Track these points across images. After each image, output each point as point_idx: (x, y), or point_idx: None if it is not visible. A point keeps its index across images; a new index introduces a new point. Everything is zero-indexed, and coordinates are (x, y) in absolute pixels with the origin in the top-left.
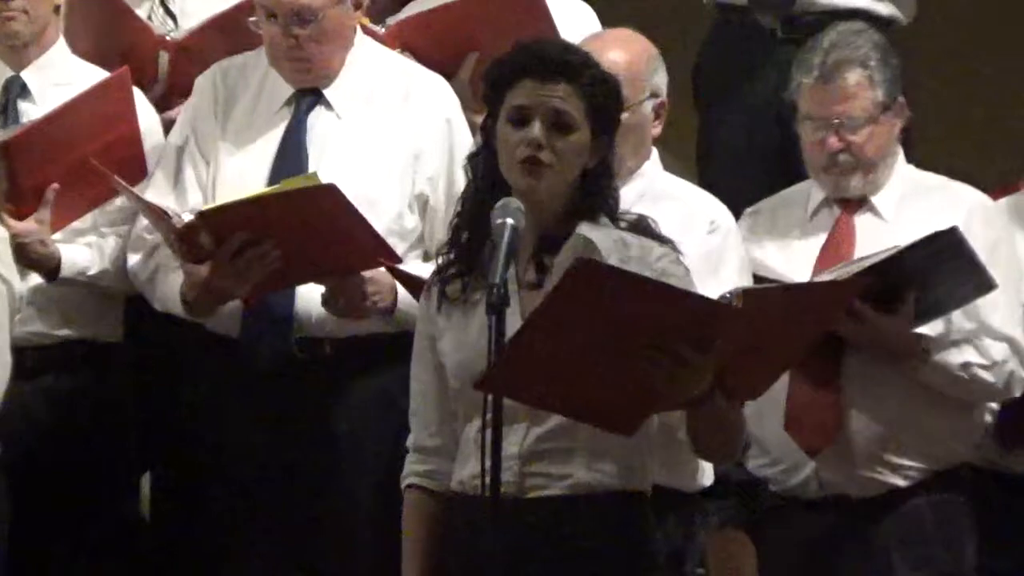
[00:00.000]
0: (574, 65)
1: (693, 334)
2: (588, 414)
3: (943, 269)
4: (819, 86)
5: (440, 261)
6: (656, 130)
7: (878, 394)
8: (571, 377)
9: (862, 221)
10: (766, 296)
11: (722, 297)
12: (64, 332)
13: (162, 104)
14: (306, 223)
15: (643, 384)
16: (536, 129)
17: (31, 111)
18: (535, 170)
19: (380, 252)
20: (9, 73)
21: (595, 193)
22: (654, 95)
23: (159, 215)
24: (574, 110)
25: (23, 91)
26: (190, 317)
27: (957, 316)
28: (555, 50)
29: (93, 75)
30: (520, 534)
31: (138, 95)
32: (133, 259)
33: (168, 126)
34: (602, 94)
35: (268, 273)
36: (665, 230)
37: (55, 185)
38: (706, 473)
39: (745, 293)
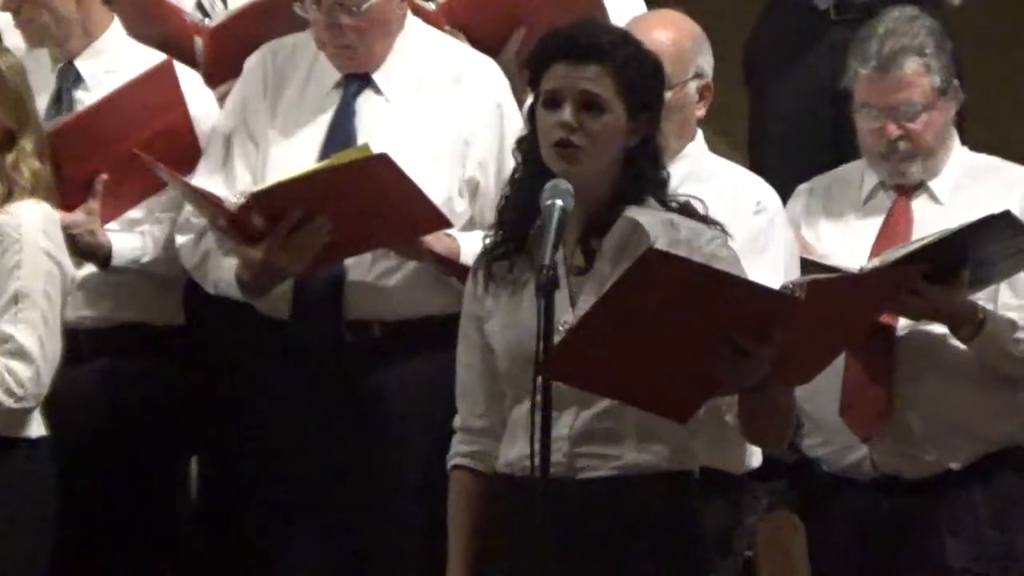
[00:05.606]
0: (603, 45)
1: (755, 325)
2: (643, 400)
3: (997, 244)
4: (876, 75)
5: (487, 243)
6: (700, 111)
7: (930, 378)
8: (629, 364)
9: (918, 205)
10: (830, 286)
11: (785, 287)
12: (122, 315)
13: None
14: (360, 195)
15: (700, 372)
16: (567, 112)
17: (86, 99)
18: (568, 153)
19: (434, 220)
20: (63, 62)
21: (640, 175)
22: (698, 76)
23: (210, 200)
24: (604, 91)
25: (77, 79)
26: (245, 298)
27: (1004, 292)
28: (585, 32)
29: (146, 59)
30: (569, 515)
31: (196, 78)
32: (181, 241)
33: None
34: (636, 73)
35: (323, 247)
36: (710, 211)
37: (104, 176)
38: (754, 455)
39: (809, 284)
